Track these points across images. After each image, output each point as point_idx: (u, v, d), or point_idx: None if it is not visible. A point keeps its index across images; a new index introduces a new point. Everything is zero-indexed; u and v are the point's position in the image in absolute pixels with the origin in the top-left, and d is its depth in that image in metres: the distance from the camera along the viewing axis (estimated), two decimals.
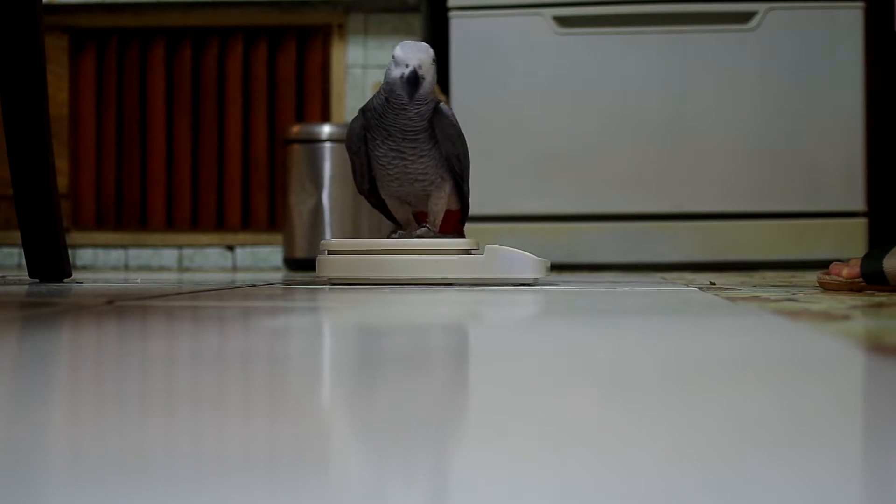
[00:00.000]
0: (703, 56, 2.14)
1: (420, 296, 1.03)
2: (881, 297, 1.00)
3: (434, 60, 1.25)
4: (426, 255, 1.25)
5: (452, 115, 1.29)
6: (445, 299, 0.99)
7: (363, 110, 1.28)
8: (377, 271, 1.25)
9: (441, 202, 1.31)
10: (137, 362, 0.51)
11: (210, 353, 0.55)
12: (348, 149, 1.31)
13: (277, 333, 0.66)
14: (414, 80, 1.22)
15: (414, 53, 1.23)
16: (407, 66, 1.22)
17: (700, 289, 1.18)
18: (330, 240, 1.29)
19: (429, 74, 1.24)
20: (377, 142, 1.27)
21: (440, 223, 1.32)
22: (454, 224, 1.39)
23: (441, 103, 1.27)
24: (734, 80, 2.14)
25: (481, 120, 2.16)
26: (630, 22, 2.15)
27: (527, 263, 1.25)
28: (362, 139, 1.28)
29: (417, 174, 1.28)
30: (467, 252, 1.25)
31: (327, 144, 2.14)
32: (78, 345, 0.61)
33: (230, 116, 2.45)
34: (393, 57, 1.25)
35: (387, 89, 1.25)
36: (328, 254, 1.27)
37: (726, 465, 0.27)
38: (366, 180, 1.32)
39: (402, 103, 1.24)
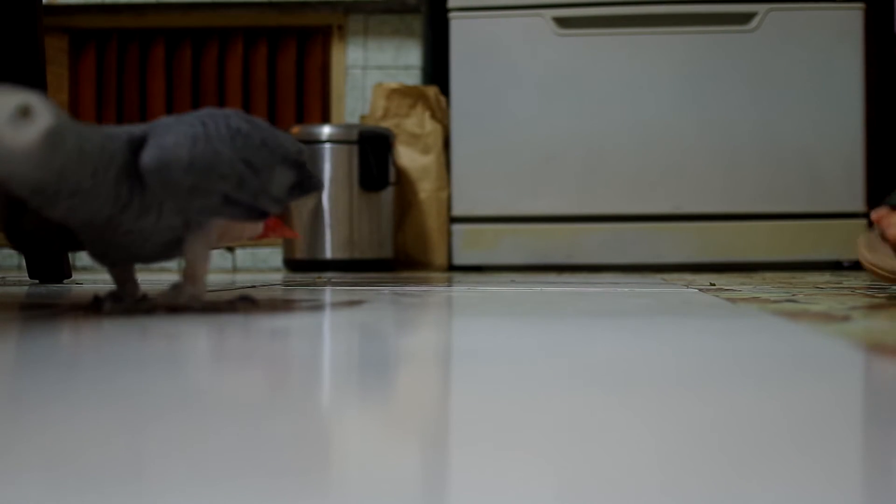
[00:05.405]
0: (703, 57, 2.14)
1: (418, 298, 1.03)
2: (881, 297, 1.00)
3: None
4: None
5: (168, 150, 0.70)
6: (450, 298, 0.99)
7: None
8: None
9: (202, 245, 0.75)
10: (136, 363, 0.51)
11: (209, 353, 0.55)
12: None
13: (278, 334, 0.66)
14: None
15: None
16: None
17: (700, 290, 1.18)
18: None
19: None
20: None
21: (203, 273, 0.77)
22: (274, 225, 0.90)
23: (148, 143, 0.70)
24: (734, 81, 2.14)
25: (481, 121, 2.16)
26: (630, 23, 2.15)
27: None
28: None
29: (149, 234, 0.73)
30: None
31: (327, 145, 2.13)
32: (77, 345, 0.61)
33: None
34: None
35: None
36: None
37: (724, 467, 0.27)
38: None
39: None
